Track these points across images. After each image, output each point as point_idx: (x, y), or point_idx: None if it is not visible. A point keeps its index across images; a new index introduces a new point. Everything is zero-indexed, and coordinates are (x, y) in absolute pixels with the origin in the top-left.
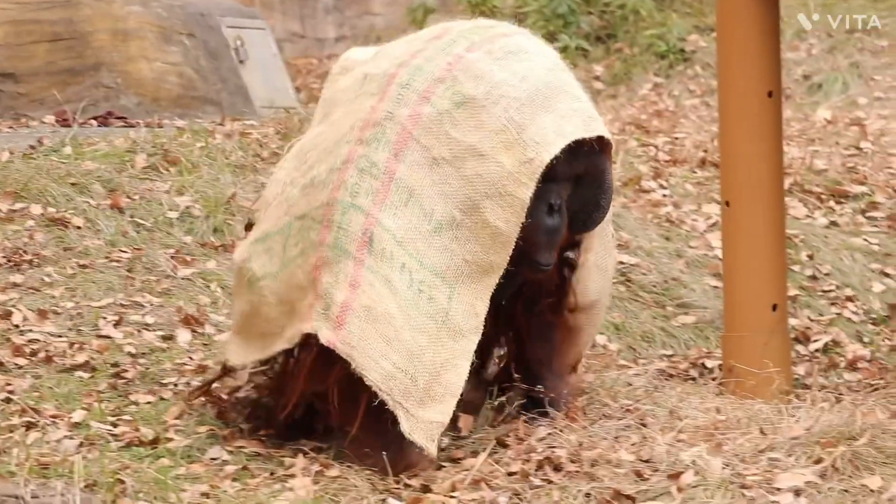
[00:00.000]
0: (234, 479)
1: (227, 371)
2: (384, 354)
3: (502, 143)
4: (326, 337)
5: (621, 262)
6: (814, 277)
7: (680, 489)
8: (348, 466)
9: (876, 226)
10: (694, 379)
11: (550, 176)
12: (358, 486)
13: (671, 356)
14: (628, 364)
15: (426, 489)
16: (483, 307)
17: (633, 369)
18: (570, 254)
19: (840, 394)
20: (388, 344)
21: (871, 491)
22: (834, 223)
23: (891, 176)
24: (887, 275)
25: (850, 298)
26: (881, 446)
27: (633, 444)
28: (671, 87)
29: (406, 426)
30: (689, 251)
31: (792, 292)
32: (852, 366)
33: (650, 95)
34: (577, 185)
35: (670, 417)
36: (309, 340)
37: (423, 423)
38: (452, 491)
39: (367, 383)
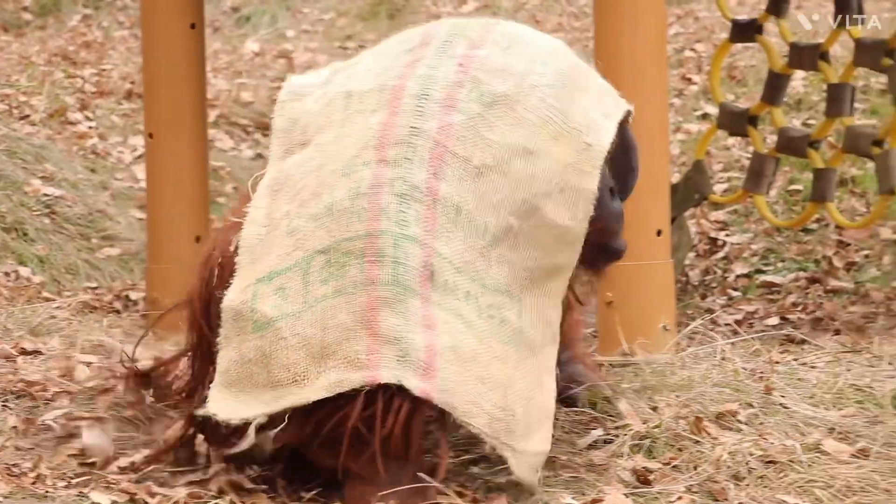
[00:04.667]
0: None
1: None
2: (483, 396)
3: (550, 135)
4: (419, 387)
5: (45, 195)
6: None
7: None
8: None
9: None
10: (119, 311)
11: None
12: None
13: (95, 289)
14: (52, 297)
15: None
16: (556, 314)
17: (57, 301)
18: None
19: None
20: (483, 384)
21: None
22: (260, 155)
23: None
24: None
25: None
26: None
27: None
28: (100, 19)
29: (515, 465)
30: (115, 183)
31: (217, 224)
32: None
33: (79, 27)
34: (610, 158)
35: None
36: (366, 391)
37: (528, 458)
38: None
39: (472, 431)
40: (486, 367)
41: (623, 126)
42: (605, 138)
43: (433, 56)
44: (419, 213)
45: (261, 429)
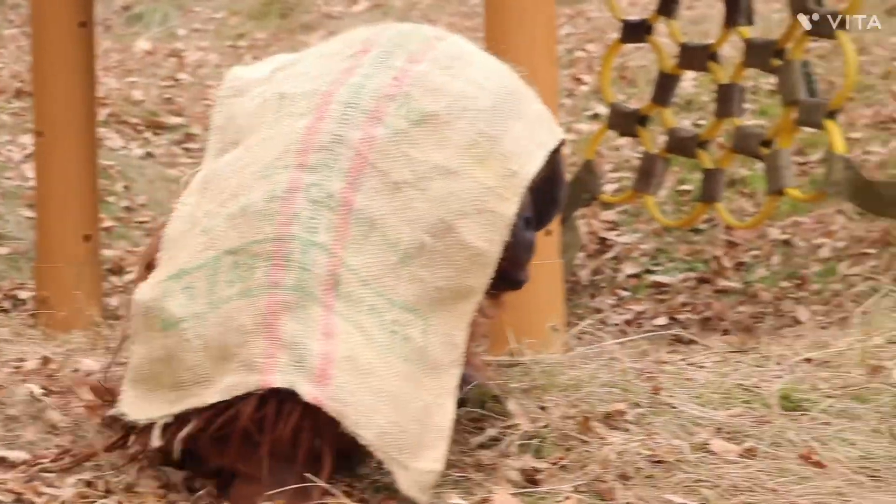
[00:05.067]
0: None
1: (130, 429)
2: (375, 409)
3: (474, 159)
4: (310, 393)
5: None
6: (129, 208)
7: None
8: None
9: (192, 157)
10: (7, 311)
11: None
12: None
13: None
14: None
15: None
16: (462, 337)
17: None
18: None
19: None
20: (377, 397)
21: None
22: (150, 154)
23: (207, 108)
24: None
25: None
26: None
27: None
28: None
29: (402, 481)
30: (3, 182)
31: (107, 223)
32: None
33: None
34: (533, 188)
35: None
36: (259, 393)
37: (418, 476)
38: None
39: (361, 442)
40: (383, 381)
41: (555, 156)
42: (531, 167)
43: (370, 65)
44: (331, 221)
45: (166, 428)
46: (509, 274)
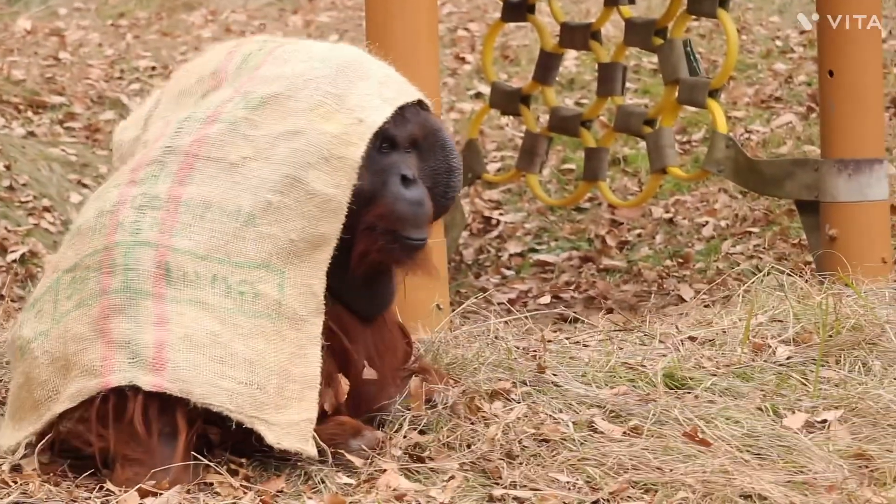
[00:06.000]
0: None
1: None
2: (221, 375)
3: (320, 116)
4: (151, 382)
5: None
6: (11, 188)
7: None
8: None
9: (73, 136)
10: None
11: (390, 145)
12: None
13: None
14: None
15: None
16: (320, 285)
17: None
18: None
19: None
20: (221, 363)
21: None
22: (32, 133)
23: (88, 87)
24: (85, 185)
25: (47, 209)
26: None
27: None
28: None
29: (271, 438)
30: None
31: None
32: None
33: None
34: (421, 156)
35: None
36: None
37: (288, 428)
38: None
39: (215, 411)
40: (227, 346)
41: (428, 119)
42: (378, 116)
43: (216, 93)
44: (155, 219)
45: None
46: (397, 234)
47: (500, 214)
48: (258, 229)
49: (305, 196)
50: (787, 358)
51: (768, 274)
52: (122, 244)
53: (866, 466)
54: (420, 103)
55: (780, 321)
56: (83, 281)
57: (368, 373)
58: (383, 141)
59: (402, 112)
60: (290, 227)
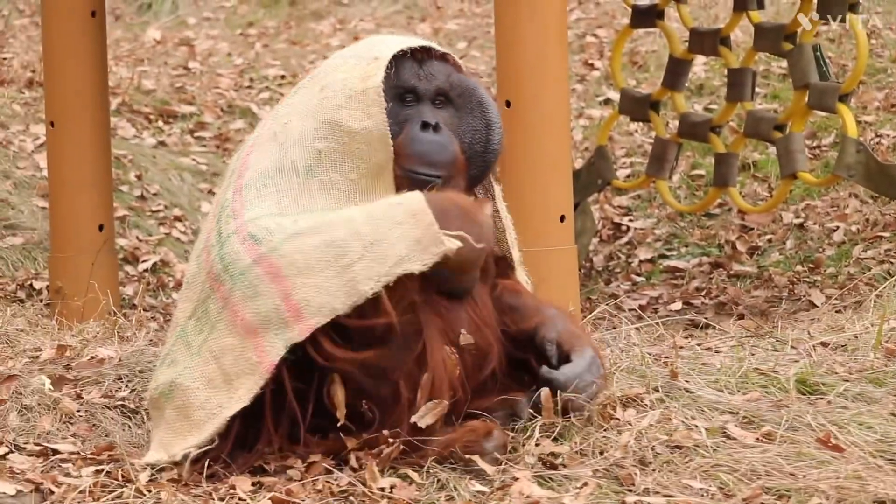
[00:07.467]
0: None
1: None
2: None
3: (343, 70)
4: (298, 332)
5: None
6: (142, 197)
7: None
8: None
9: (204, 145)
10: (22, 301)
11: (414, 97)
12: None
13: (0, 278)
14: None
15: None
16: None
17: None
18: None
19: None
20: (340, 265)
21: None
22: (162, 143)
23: (218, 96)
24: (215, 194)
25: (178, 218)
26: None
27: None
28: (1, 7)
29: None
30: (16, 172)
31: (120, 213)
32: (181, 285)
33: None
34: (458, 113)
35: None
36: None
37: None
38: None
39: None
40: (338, 245)
41: (452, 71)
42: (388, 51)
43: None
44: (229, 215)
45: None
46: (409, 170)
47: (630, 220)
48: (319, 178)
49: (347, 136)
50: None
51: None
52: (216, 258)
53: None
54: (454, 64)
55: None
56: (205, 313)
57: (465, 339)
58: (406, 92)
59: (425, 65)
60: (346, 168)
